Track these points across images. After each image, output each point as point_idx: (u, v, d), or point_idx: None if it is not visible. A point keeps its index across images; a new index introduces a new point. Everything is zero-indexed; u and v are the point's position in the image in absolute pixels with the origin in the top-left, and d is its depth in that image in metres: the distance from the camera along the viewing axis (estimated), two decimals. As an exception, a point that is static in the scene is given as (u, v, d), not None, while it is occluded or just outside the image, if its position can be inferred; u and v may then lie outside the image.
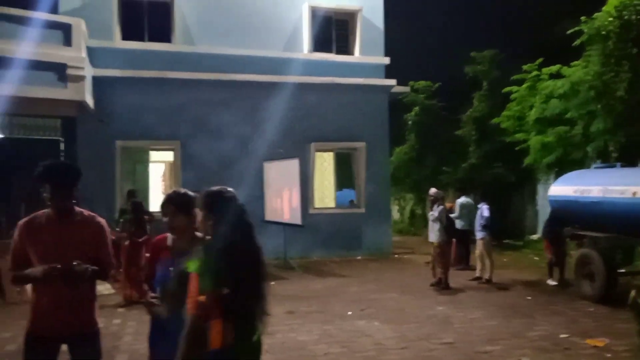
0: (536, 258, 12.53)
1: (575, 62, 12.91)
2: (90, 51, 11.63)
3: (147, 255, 3.52)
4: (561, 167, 13.04)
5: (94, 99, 11.73)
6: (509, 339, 6.20)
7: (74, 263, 2.85)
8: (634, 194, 7.48)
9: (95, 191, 10.77)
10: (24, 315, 6.80)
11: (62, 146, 11.51)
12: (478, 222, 9.98)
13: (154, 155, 13.63)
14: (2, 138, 11.11)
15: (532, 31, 20.40)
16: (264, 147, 12.70)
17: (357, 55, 14.12)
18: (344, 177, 14.58)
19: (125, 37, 12.70)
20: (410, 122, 20.16)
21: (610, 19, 10.84)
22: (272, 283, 8.84)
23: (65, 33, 10.83)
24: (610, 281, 7.91)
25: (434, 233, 9.42)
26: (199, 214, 2.71)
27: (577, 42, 11.86)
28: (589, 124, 12.05)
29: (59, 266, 2.83)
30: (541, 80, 14.34)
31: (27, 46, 9.99)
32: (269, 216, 12.13)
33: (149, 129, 12.38)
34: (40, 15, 10.66)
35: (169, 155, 13.24)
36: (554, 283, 9.49)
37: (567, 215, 9.13)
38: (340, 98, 13.56)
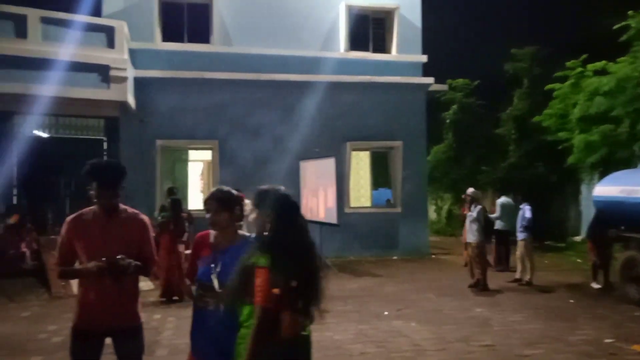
0: (579, 260, 12.18)
1: (622, 58, 12.49)
2: (132, 53, 11.92)
3: (188, 252, 3.59)
4: (606, 167, 12.63)
5: (135, 100, 12.02)
6: (550, 342, 6.05)
7: (118, 257, 2.94)
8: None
9: (136, 189, 11.06)
10: (69, 309, 7.04)
11: (105, 145, 11.86)
12: (519, 223, 9.76)
13: (192, 154, 13.89)
14: (48, 137, 11.52)
15: (576, 26, 19.82)
16: (300, 146, 12.76)
17: (394, 54, 14.02)
18: (380, 176, 14.49)
19: (166, 38, 12.97)
20: (447, 121, 19.91)
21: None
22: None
23: (108, 35, 11.13)
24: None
25: (471, 233, 9.27)
26: (251, 211, 2.74)
27: (624, 37, 11.46)
28: (635, 122, 11.64)
29: (104, 259, 2.93)
30: (585, 77, 13.92)
31: (72, 49, 10.35)
32: (305, 215, 12.13)
33: (188, 129, 12.61)
34: (85, 18, 10.99)
35: (207, 155, 13.45)
36: (598, 286, 9.21)
37: (613, 217, 8.83)
38: (377, 97, 13.49)
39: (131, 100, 11.66)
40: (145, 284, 9.00)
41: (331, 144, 12.98)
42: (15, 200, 11.01)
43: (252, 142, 12.87)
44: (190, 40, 13.09)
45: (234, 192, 3.17)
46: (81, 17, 10.88)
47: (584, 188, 14.67)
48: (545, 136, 14.96)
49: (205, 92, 12.73)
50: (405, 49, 13.99)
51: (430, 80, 13.96)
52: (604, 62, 13.41)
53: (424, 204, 14.48)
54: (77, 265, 3.14)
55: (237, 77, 12.76)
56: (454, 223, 19.78)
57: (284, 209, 2.66)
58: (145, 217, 3.28)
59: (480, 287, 9.05)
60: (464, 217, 12.00)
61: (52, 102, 10.20)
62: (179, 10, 13.14)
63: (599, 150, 12.96)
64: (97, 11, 12.21)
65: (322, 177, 11.72)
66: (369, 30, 14.15)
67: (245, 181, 10.31)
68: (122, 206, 3.20)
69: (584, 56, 14.39)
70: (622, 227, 8.68)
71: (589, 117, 13.33)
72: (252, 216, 2.72)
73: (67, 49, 10.26)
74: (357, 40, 13.87)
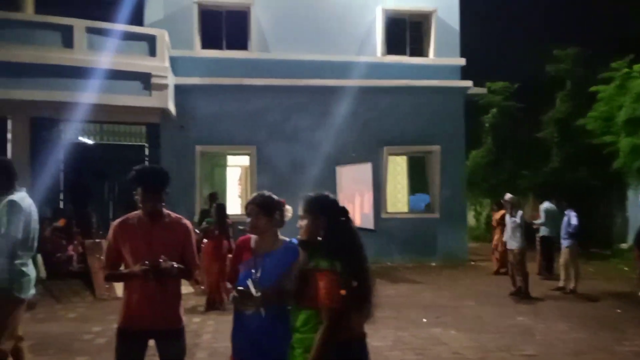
0: (626, 268, 11.76)
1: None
2: (172, 60, 12.18)
3: (230, 256, 3.63)
4: (654, 172, 12.19)
5: (175, 106, 12.28)
6: (596, 353, 5.85)
7: (160, 260, 3.00)
8: None
9: (176, 194, 11.26)
10: (112, 311, 7.20)
11: (146, 151, 12.14)
12: (564, 230, 9.48)
13: (230, 159, 14.09)
14: (93, 144, 11.89)
15: (621, 26, 19.20)
16: (337, 151, 12.77)
17: (431, 57, 13.89)
18: (418, 181, 14.35)
19: (205, 46, 13.21)
20: (487, 125, 19.57)
21: None
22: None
23: (150, 44, 11.41)
24: None
25: (514, 240, 9.06)
26: (302, 217, 2.78)
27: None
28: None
29: (147, 262, 3.00)
30: (632, 78, 13.44)
31: (115, 57, 10.65)
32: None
33: (226, 135, 12.79)
34: (127, 28, 11.30)
35: (245, 160, 13.61)
36: (647, 295, 8.85)
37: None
38: (414, 101, 13.38)
39: (171, 107, 11.91)
40: (184, 288, 9.14)
41: (368, 148, 12.94)
42: (61, 205, 11.38)
43: (289, 147, 12.96)
44: (229, 48, 13.30)
45: (275, 197, 3.20)
46: (124, 27, 11.19)
47: (630, 193, 14.15)
48: (589, 140, 14.51)
49: (243, 98, 12.89)
50: (443, 52, 13.85)
51: (468, 83, 13.77)
52: (651, 62, 12.96)
53: (463, 210, 14.25)
54: (122, 268, 3.23)
55: (275, 83, 12.88)
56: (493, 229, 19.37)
57: (337, 214, 2.73)
58: (187, 222, 3.35)
59: (521, 295, 8.83)
60: (496, 222, 11.85)
61: (97, 109, 10.54)
62: (217, 17, 13.38)
63: (647, 154, 12.50)
64: (139, 20, 12.54)
65: (358, 182, 11.68)
66: (406, 34, 14.07)
67: (282, 186, 10.41)
68: (165, 211, 3.27)
69: (630, 56, 13.91)
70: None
71: (635, 120, 12.87)
72: (304, 222, 2.75)
73: (111, 57, 10.56)
74: (393, 44, 13.80)
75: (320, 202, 2.78)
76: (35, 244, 4.10)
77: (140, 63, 11.05)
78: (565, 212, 9.67)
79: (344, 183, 12.38)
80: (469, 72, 14.02)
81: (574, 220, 9.31)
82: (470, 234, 17.62)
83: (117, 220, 3.25)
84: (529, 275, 9.19)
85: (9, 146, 10.51)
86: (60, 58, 10.29)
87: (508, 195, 9.49)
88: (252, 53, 13.23)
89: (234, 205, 13.18)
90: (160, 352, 3.22)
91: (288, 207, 3.24)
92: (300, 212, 2.80)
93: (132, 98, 10.95)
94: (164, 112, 11.74)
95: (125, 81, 10.92)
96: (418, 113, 13.41)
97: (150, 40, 11.40)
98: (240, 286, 3.12)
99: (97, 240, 9.81)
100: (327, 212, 2.73)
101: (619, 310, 8.00)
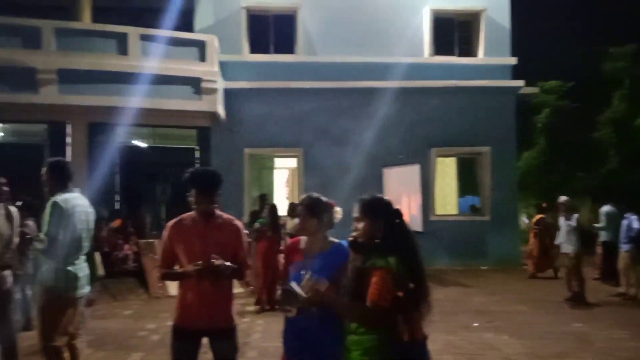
0: (691, 275, 11.11)
1: None
2: (222, 65, 12.41)
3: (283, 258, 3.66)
4: None
5: (224, 110, 12.52)
6: (660, 363, 5.57)
7: (214, 259, 3.07)
8: None
9: (225, 196, 11.42)
10: (165, 308, 7.39)
11: (197, 154, 12.44)
12: (624, 234, 9.07)
13: (278, 161, 14.23)
14: (146, 147, 12.29)
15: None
16: (384, 153, 12.68)
17: (481, 57, 13.61)
18: (467, 183, 14.07)
19: (253, 50, 13.40)
20: (539, 125, 19.00)
21: None
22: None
23: (200, 49, 11.68)
24: None
25: (570, 243, 8.76)
26: (358, 219, 2.77)
27: None
28: None
29: (200, 262, 3.07)
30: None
31: (167, 63, 10.99)
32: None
33: (274, 137, 12.93)
34: (179, 34, 11.62)
35: (292, 162, 13.72)
36: None
37: None
38: (463, 101, 13.14)
39: (221, 111, 12.15)
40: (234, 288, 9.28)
41: (415, 150, 12.79)
42: (117, 206, 11.80)
43: (336, 149, 12.97)
44: (276, 51, 13.45)
45: (324, 199, 3.20)
46: (175, 33, 11.50)
47: (696, 196, 13.39)
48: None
49: (290, 101, 13.00)
50: (493, 52, 13.54)
51: (520, 83, 13.41)
52: None
53: (515, 212, 13.87)
54: (177, 267, 3.32)
55: (321, 85, 12.93)
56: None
57: (393, 216, 2.74)
58: (239, 223, 3.40)
59: (578, 300, 8.51)
60: (533, 226, 11.55)
61: (149, 113, 10.91)
62: (265, 21, 13.56)
63: None
64: (189, 26, 12.87)
65: (406, 184, 11.57)
66: (454, 34, 13.85)
67: (328, 188, 10.41)
68: (218, 212, 3.34)
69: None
70: None
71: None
72: (361, 225, 2.74)
73: (163, 63, 10.90)
74: (441, 45, 13.61)
75: (376, 205, 2.79)
76: (85, 244, 4.16)
77: (191, 68, 11.33)
78: (625, 216, 9.26)
79: (391, 185, 12.28)
80: (520, 71, 13.65)
81: (636, 224, 8.89)
82: (523, 237, 17.11)
83: (172, 221, 3.34)
84: (585, 280, 8.86)
85: (68, 149, 10.98)
86: (116, 65, 10.67)
87: (563, 198, 9.19)
88: (299, 56, 13.33)
89: (282, 207, 13.28)
90: (214, 350, 3.29)
91: (337, 209, 3.23)
92: (355, 214, 2.79)
93: (183, 102, 11.25)
94: (214, 115, 11.99)
95: (177, 86, 11.22)
96: (467, 114, 13.16)
97: (201, 46, 11.68)
98: (286, 286, 3.15)
99: (151, 240, 10.13)
100: (383, 214, 2.74)
101: (684, 319, 7.59)
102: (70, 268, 4.00)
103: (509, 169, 13.47)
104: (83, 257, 4.19)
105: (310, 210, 3.13)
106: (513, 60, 13.59)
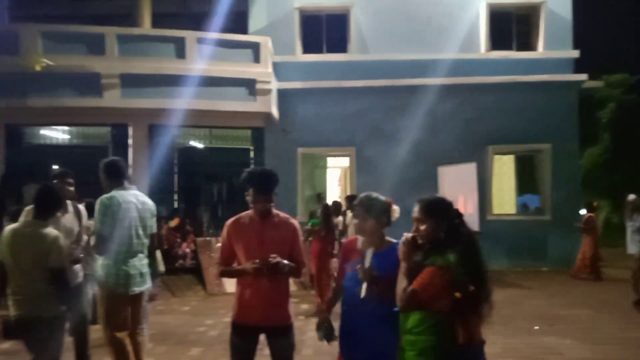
0: None
1: None
2: (275, 66, 12.56)
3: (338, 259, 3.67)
4: None
5: (278, 110, 12.66)
6: None
7: (270, 257, 3.11)
8: None
9: (279, 195, 11.59)
10: (222, 305, 7.55)
11: (251, 154, 12.66)
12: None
13: (330, 160, 14.25)
14: (203, 147, 12.61)
15: None
16: (439, 151, 12.45)
17: (540, 51, 13.12)
18: (526, 181, 13.60)
19: (306, 50, 13.48)
20: (604, 121, 18.15)
21: None
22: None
23: (254, 51, 11.86)
24: None
25: (634, 244, 8.34)
26: (421, 221, 2.75)
27: None
28: None
29: (257, 260, 3.13)
30: None
31: (222, 65, 11.24)
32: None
33: (326, 136, 12.96)
34: (234, 37, 11.84)
35: (344, 161, 13.71)
36: None
37: None
38: (522, 97, 12.72)
39: (275, 111, 12.30)
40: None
41: (472, 148, 12.48)
42: (176, 205, 12.17)
43: (389, 148, 12.85)
44: (329, 50, 13.46)
45: (382, 198, 3.17)
46: (230, 36, 11.73)
47: None
48: None
49: (342, 100, 12.99)
50: (553, 45, 13.03)
51: (583, 77, 12.83)
52: None
53: (577, 212, 13.30)
54: (235, 265, 3.38)
55: (374, 84, 12.85)
56: (613, 233, 17.90)
57: (455, 216, 2.73)
58: (295, 222, 3.44)
59: (647, 304, 8.07)
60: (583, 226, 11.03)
61: (206, 115, 11.22)
62: (317, 21, 13.60)
63: None
64: (243, 28, 13.10)
65: (462, 183, 11.30)
66: (512, 28, 13.43)
67: (381, 187, 10.30)
68: (274, 210, 3.38)
69: None
70: None
71: None
72: (423, 226, 2.71)
73: (219, 65, 11.16)
74: (499, 39, 13.22)
75: (439, 206, 2.78)
76: (138, 241, 4.16)
77: (246, 70, 11.52)
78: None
79: (447, 183, 12.04)
80: (583, 65, 13.06)
81: None
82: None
83: (231, 220, 3.41)
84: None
85: (129, 151, 11.41)
86: (174, 68, 11.01)
87: (632, 196, 8.75)
88: (351, 55, 13.29)
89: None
90: (271, 347, 3.34)
91: (395, 207, 3.20)
92: (415, 215, 2.77)
93: (239, 103, 11.46)
94: (268, 116, 12.15)
95: (232, 87, 11.43)
96: (526, 110, 12.73)
97: (255, 48, 11.85)
98: (344, 285, 3.16)
99: (208, 239, 10.39)
100: (445, 215, 2.73)
101: None
102: (121, 266, 4.06)
103: (570, 166, 12.92)
104: (141, 255, 4.21)
105: (368, 210, 3.11)
106: (575, 54, 13.03)
